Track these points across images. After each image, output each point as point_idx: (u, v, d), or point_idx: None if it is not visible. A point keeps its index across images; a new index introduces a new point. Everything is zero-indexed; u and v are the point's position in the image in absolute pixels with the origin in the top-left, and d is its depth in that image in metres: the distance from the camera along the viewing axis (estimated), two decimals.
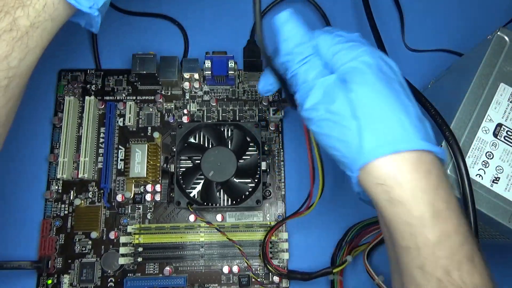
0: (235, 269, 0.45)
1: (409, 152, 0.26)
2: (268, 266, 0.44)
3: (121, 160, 0.48)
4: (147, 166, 0.46)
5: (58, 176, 0.46)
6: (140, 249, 0.45)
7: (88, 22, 0.35)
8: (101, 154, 0.48)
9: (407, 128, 0.27)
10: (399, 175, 0.26)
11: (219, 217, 0.47)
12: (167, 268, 0.45)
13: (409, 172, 0.26)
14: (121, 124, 0.49)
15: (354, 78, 0.28)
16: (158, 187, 0.47)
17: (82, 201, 0.47)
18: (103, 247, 0.46)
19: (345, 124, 0.27)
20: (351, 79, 0.28)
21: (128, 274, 0.45)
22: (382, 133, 0.27)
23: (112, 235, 0.46)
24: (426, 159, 0.27)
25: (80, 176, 0.46)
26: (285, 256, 0.45)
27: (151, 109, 0.50)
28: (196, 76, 0.49)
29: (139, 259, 0.45)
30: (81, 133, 0.47)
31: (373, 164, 0.26)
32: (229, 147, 0.46)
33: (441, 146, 0.32)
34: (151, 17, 0.54)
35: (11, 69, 0.31)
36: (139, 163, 0.46)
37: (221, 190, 0.46)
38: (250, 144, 0.48)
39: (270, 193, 0.48)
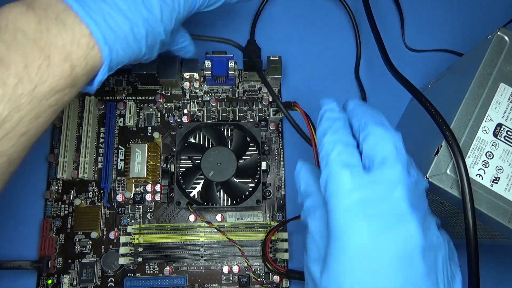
0: (235, 269, 0.45)
1: None
2: (267, 265, 0.44)
3: (121, 160, 0.48)
4: (147, 166, 0.46)
5: (58, 176, 0.46)
6: (140, 249, 0.45)
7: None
8: (101, 154, 0.48)
9: None
10: None
11: (219, 217, 0.47)
12: (167, 268, 0.45)
13: None
14: (121, 124, 0.49)
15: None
16: (158, 187, 0.48)
17: (82, 201, 0.47)
18: (103, 247, 0.46)
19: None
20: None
21: (128, 274, 0.45)
22: None
23: (112, 235, 0.46)
24: None
25: (80, 176, 0.46)
26: (285, 256, 0.45)
27: (151, 109, 0.50)
28: (196, 76, 0.49)
29: (139, 259, 0.45)
30: (81, 133, 0.47)
31: None
32: (229, 147, 0.46)
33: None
34: None
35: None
36: (139, 163, 0.46)
37: (221, 190, 0.46)
38: (250, 144, 0.48)
39: (270, 193, 0.48)
